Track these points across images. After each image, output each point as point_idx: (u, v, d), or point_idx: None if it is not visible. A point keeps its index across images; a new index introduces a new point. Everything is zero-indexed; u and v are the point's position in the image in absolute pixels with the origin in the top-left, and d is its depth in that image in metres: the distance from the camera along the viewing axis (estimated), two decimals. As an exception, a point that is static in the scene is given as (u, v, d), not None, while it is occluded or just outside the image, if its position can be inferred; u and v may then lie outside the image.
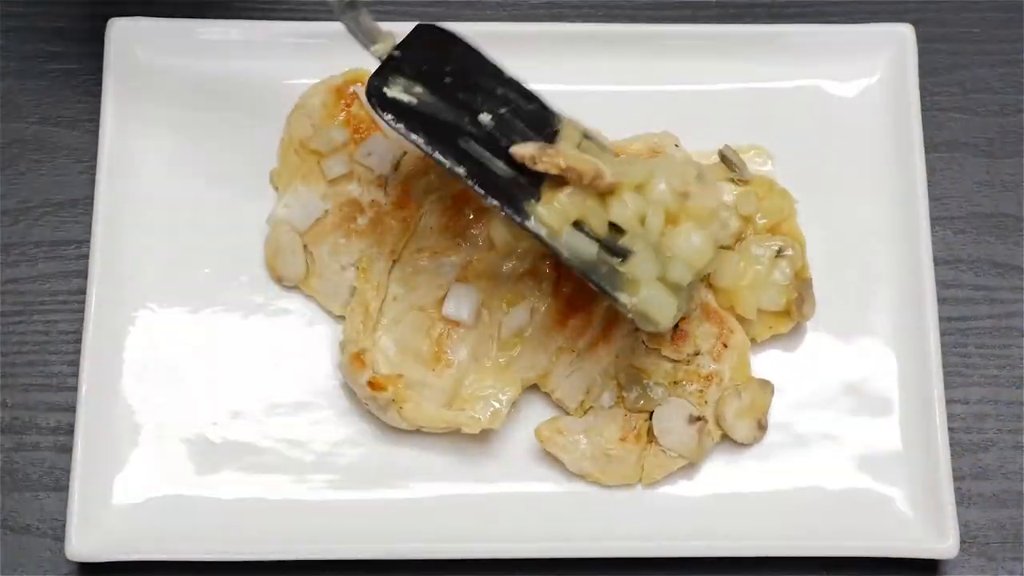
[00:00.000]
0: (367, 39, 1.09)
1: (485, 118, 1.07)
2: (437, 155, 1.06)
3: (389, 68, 1.08)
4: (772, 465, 1.13)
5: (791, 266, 1.15)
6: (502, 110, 1.08)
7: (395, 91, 1.07)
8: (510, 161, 1.06)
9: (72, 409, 1.12)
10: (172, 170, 1.18)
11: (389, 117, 1.07)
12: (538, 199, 1.06)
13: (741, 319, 1.14)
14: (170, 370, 1.14)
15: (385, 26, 1.20)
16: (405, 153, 1.17)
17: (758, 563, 1.11)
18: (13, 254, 1.18)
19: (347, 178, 1.17)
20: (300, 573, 1.10)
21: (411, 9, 1.25)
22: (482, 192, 1.06)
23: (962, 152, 1.23)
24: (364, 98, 1.15)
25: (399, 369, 1.12)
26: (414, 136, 1.07)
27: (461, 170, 1.06)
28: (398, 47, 1.09)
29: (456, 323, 1.12)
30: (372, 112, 1.09)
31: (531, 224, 1.06)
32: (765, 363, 1.15)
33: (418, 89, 1.07)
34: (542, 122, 1.08)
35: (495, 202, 1.06)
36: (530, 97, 1.09)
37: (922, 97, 1.21)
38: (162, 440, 1.12)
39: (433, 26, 1.10)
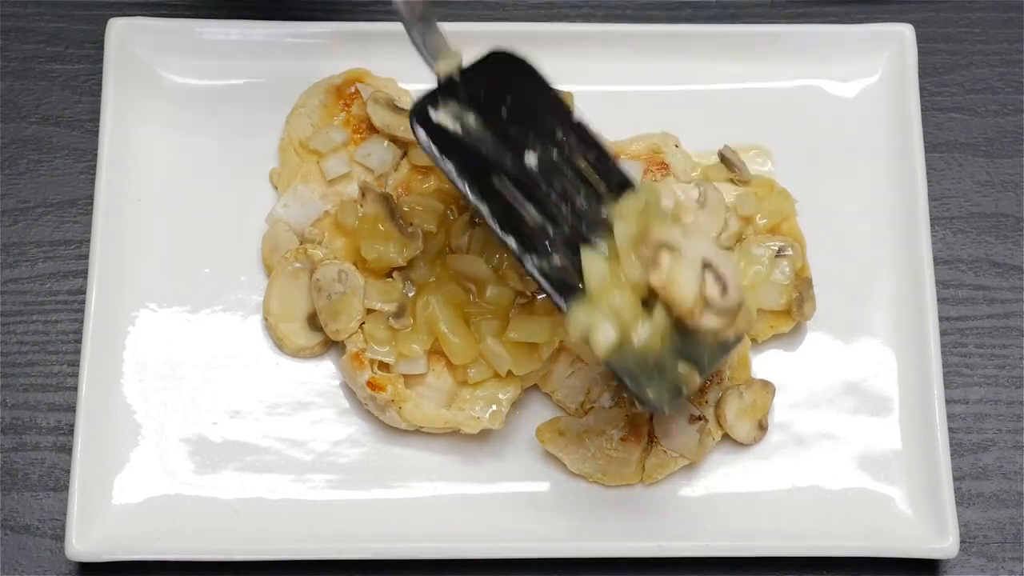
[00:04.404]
0: (431, 55, 1.05)
1: (531, 159, 1.03)
2: (464, 187, 1.02)
3: (445, 90, 1.04)
4: (772, 465, 1.13)
5: (791, 266, 1.15)
6: (554, 154, 1.03)
7: (443, 116, 1.03)
8: (544, 209, 1.03)
9: (72, 409, 1.12)
10: (172, 170, 1.18)
11: (424, 137, 1.03)
12: (581, 289, 1.01)
13: (741, 319, 1.14)
14: (170, 370, 1.14)
15: (383, 26, 1.21)
16: (405, 154, 1.17)
17: (758, 563, 1.11)
18: (13, 254, 1.18)
19: (347, 178, 1.17)
20: (300, 573, 1.10)
21: (411, 9, 1.25)
22: (499, 233, 1.02)
23: (962, 152, 1.23)
24: (365, 105, 1.16)
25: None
26: (446, 164, 1.03)
27: (484, 208, 1.02)
28: (464, 70, 1.05)
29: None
30: (411, 130, 1.04)
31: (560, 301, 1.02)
32: (765, 363, 1.15)
33: (469, 117, 1.03)
34: (605, 176, 1.03)
35: (511, 245, 1.02)
36: (598, 150, 1.04)
37: (922, 97, 1.21)
38: (162, 440, 1.12)
39: (508, 53, 1.05)
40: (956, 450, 1.14)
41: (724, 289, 1.06)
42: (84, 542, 1.07)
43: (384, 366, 1.11)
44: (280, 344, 1.14)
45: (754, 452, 1.13)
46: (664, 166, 1.17)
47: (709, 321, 1.04)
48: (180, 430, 1.12)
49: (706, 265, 1.06)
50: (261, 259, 1.16)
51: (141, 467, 1.11)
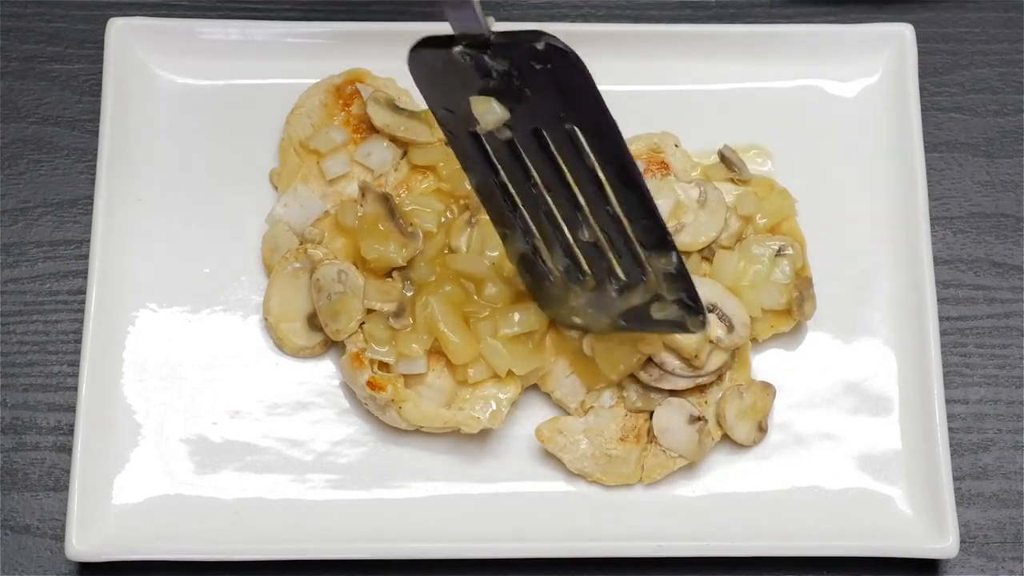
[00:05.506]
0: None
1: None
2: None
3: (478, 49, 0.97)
4: (772, 465, 1.13)
5: (791, 265, 1.15)
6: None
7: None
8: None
9: (72, 409, 1.12)
10: (172, 170, 1.18)
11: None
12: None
13: (741, 319, 1.15)
14: (170, 370, 1.14)
15: (382, 26, 1.21)
16: (405, 154, 1.17)
17: (758, 563, 1.11)
18: (13, 254, 1.18)
19: (347, 178, 1.17)
20: (300, 573, 1.10)
21: (410, 8, 1.25)
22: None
23: (962, 152, 1.23)
24: (365, 105, 1.16)
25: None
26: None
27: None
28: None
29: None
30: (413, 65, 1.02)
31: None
32: (765, 363, 1.15)
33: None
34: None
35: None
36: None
37: (922, 97, 1.21)
38: (162, 440, 1.12)
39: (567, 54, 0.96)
40: (956, 450, 1.14)
41: (730, 327, 1.09)
42: (84, 542, 1.07)
43: (384, 366, 1.11)
44: (280, 344, 1.14)
45: (754, 452, 1.13)
46: (664, 166, 1.17)
47: (717, 359, 1.10)
48: (180, 430, 1.12)
49: (710, 308, 1.08)
50: (261, 259, 1.16)
51: (141, 467, 1.11)
